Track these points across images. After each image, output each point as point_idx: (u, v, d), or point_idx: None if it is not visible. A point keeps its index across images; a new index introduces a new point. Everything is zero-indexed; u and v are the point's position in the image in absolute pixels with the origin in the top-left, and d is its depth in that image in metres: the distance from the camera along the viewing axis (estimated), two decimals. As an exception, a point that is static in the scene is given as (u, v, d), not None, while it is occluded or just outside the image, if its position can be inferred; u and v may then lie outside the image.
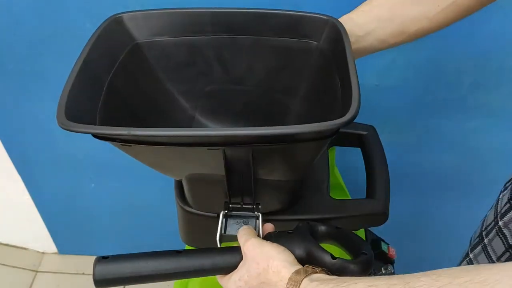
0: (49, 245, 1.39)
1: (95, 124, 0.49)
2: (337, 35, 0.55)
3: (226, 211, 0.57)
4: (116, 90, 0.55)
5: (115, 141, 0.46)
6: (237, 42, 0.61)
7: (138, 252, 0.51)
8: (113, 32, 0.57)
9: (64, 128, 0.43)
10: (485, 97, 0.92)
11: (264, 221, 0.58)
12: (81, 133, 0.43)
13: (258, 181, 0.53)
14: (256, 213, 0.57)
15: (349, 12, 0.60)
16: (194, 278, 0.80)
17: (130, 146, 0.46)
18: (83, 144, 1.09)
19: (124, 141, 0.45)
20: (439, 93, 0.93)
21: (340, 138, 0.74)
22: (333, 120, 0.43)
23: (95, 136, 0.45)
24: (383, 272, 0.83)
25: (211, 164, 0.50)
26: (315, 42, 0.60)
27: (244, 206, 0.56)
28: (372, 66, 0.89)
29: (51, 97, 0.99)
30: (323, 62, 0.59)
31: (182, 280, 0.84)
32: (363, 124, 0.73)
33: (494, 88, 0.91)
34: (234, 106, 0.66)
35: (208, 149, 0.46)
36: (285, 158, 0.51)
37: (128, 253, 0.50)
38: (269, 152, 0.48)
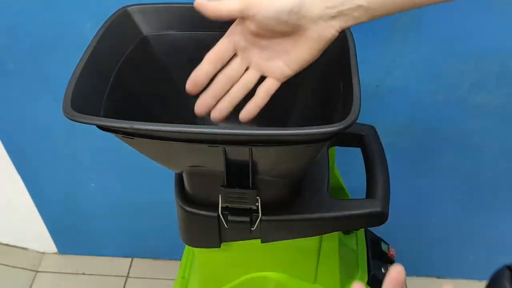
0: (49, 245, 1.39)
1: (99, 116, 0.49)
2: (342, 37, 0.56)
3: (225, 205, 0.57)
4: (122, 83, 0.55)
5: (117, 133, 0.47)
6: None
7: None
8: (121, 25, 0.58)
9: (69, 118, 0.44)
10: (485, 97, 0.92)
11: (264, 221, 0.58)
12: (85, 123, 0.44)
13: (258, 178, 0.54)
14: (256, 214, 0.57)
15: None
16: (194, 278, 0.80)
17: (133, 139, 0.47)
18: (83, 144, 1.09)
19: (126, 134, 0.46)
20: (439, 93, 0.93)
21: (340, 138, 0.74)
22: (334, 123, 0.43)
23: (99, 127, 0.46)
24: (383, 272, 0.84)
25: (212, 160, 0.51)
26: None
27: (243, 201, 0.56)
28: (373, 67, 0.89)
29: (52, 97, 0.99)
30: (327, 64, 0.59)
31: (182, 280, 0.84)
32: (363, 124, 0.73)
33: (494, 89, 0.91)
34: (239, 104, 0.66)
35: (208, 146, 0.47)
36: (283, 158, 0.51)
37: None
38: (268, 152, 0.48)
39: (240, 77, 0.50)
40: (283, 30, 0.45)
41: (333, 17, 0.44)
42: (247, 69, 0.50)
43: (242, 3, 0.44)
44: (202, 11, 0.45)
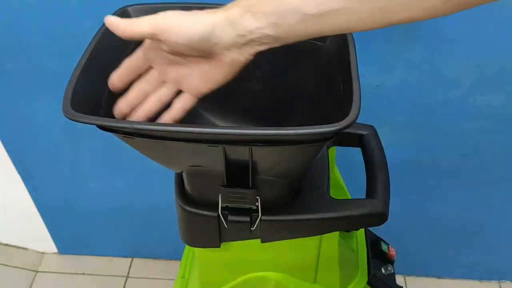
0: (49, 245, 1.39)
1: (99, 115, 0.49)
2: (343, 37, 0.56)
3: (225, 205, 0.57)
4: None
5: (117, 133, 0.47)
6: None
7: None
8: None
9: (69, 118, 0.44)
10: (485, 97, 0.93)
11: (264, 221, 0.58)
12: (85, 123, 0.44)
13: (258, 178, 0.54)
14: (256, 213, 0.57)
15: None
16: (194, 278, 0.80)
17: (133, 139, 0.47)
18: (83, 144, 1.09)
19: (126, 134, 0.47)
20: (439, 93, 0.93)
21: (340, 138, 0.74)
22: (333, 123, 0.43)
23: (99, 127, 0.46)
24: (383, 272, 0.84)
25: (212, 160, 0.51)
26: (321, 43, 0.60)
27: (243, 200, 0.56)
28: (373, 67, 0.89)
29: (51, 97, 0.99)
30: (327, 64, 0.59)
31: (182, 280, 0.84)
32: (363, 124, 0.73)
33: (494, 89, 0.91)
34: (239, 103, 0.67)
35: (208, 146, 0.47)
36: (283, 158, 0.51)
37: None
38: (268, 152, 0.48)
39: (156, 89, 0.50)
40: (195, 54, 0.45)
41: (245, 44, 0.44)
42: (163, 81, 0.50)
43: (153, 28, 0.44)
44: (113, 30, 0.45)
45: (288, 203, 0.60)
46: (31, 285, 1.34)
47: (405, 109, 0.96)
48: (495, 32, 0.83)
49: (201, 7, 0.61)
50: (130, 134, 0.46)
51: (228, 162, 0.51)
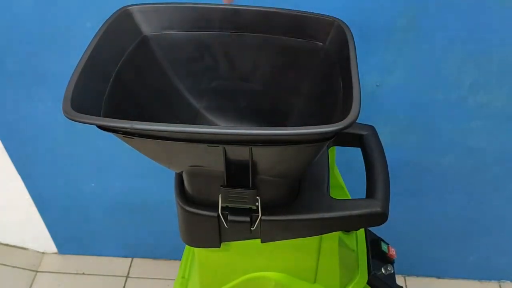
0: (49, 245, 1.39)
1: (99, 115, 0.50)
2: (342, 37, 0.56)
3: (225, 205, 0.57)
4: (122, 82, 0.55)
5: (117, 133, 0.47)
6: (245, 39, 0.62)
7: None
8: (121, 24, 0.58)
9: (69, 118, 0.44)
10: (485, 97, 0.93)
11: (264, 221, 0.58)
12: (85, 123, 0.44)
13: (258, 178, 0.54)
14: (256, 213, 0.57)
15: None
16: (194, 278, 0.80)
17: (133, 138, 0.47)
18: (83, 144, 1.09)
19: (126, 134, 0.46)
20: (439, 93, 0.93)
21: (340, 138, 0.74)
22: (333, 123, 0.43)
23: (99, 127, 0.46)
24: (383, 272, 0.84)
25: (212, 160, 0.51)
26: (321, 43, 0.60)
27: (243, 200, 0.57)
28: (373, 67, 0.89)
29: (51, 97, 0.99)
30: (327, 64, 0.59)
31: (182, 280, 0.84)
32: (363, 124, 0.73)
33: (494, 89, 0.91)
34: (239, 103, 0.67)
35: (208, 146, 0.47)
36: (283, 158, 0.51)
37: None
38: (268, 152, 0.48)
39: None
40: None
41: None
42: None
43: None
44: None
45: (288, 203, 0.60)
46: (31, 285, 1.34)
47: (405, 109, 0.96)
48: (495, 32, 0.83)
49: (201, 7, 0.62)
50: (130, 134, 0.47)
51: (228, 162, 0.51)
